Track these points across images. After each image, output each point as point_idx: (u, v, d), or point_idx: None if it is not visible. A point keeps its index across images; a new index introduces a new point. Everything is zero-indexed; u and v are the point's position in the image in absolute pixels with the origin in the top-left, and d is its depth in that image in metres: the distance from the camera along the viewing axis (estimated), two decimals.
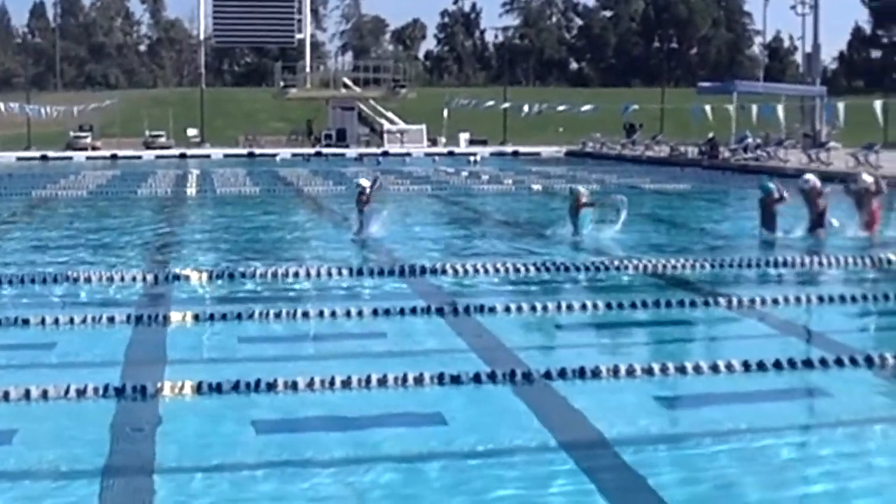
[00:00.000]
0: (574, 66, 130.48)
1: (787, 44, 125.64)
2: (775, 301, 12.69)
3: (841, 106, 43.28)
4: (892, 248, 17.33)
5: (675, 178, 38.54)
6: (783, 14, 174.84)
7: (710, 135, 51.14)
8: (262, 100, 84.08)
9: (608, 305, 12.40)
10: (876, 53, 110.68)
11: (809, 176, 20.81)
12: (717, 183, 37.80)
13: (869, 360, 9.78)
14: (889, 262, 15.87)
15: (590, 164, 49.31)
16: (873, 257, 16.17)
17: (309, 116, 71.17)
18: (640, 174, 40.16)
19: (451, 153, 60.00)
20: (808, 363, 9.65)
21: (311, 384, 8.81)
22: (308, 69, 77.12)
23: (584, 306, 12.29)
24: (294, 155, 58.52)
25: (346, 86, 73.36)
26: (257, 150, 61.92)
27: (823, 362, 9.72)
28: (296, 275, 14.50)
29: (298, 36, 77.25)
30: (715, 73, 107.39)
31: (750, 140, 49.48)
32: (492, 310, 12.09)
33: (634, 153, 56.82)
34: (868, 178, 20.07)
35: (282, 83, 73.63)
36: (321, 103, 71.77)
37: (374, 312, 11.93)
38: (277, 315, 11.81)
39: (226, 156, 58.76)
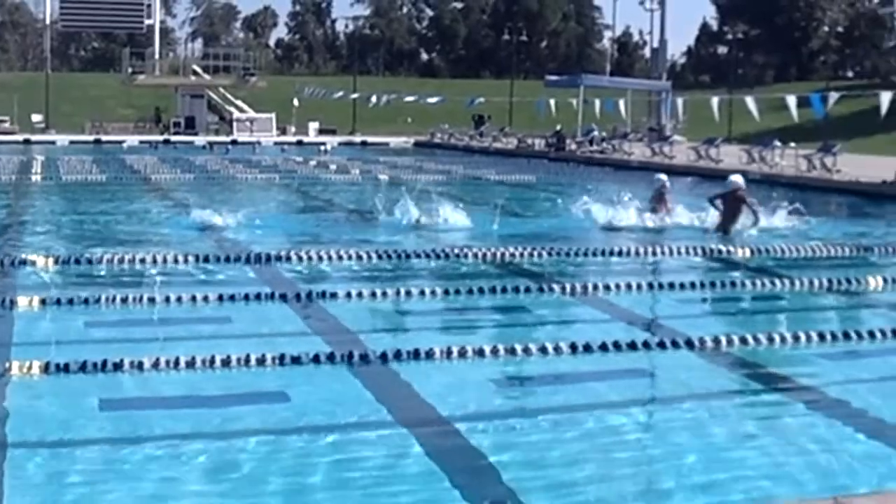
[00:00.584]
0: (424, 56, 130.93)
1: (636, 38, 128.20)
2: (607, 287, 13.42)
3: (680, 101, 44.55)
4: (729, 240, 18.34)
5: (522, 169, 39.34)
6: (633, 9, 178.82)
7: (558, 127, 52.21)
8: (109, 86, 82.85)
9: (446, 291, 12.99)
10: (722, 49, 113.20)
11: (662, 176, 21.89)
12: (563, 174, 38.62)
13: (689, 343, 10.49)
14: (728, 252, 16.79)
15: (438, 155, 49.96)
16: (710, 248, 17.05)
17: (157, 104, 70.67)
18: (487, 165, 40.94)
19: (300, 142, 60.16)
20: (632, 345, 10.29)
21: (156, 364, 9.15)
22: (157, 55, 76.44)
23: (423, 292, 12.82)
24: (142, 142, 58.11)
25: (195, 73, 72.91)
26: (104, 137, 61.25)
27: (646, 345, 10.40)
28: (142, 261, 14.73)
29: (147, 21, 76.41)
30: (564, 66, 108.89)
31: (596, 133, 50.63)
32: (334, 295, 12.52)
33: (482, 145, 57.64)
34: (738, 180, 20.66)
35: (130, 69, 72.80)
36: (170, 90, 71.24)
37: (220, 298, 12.29)
38: (124, 300, 12.06)
39: (72, 142, 57.88)
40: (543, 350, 10.03)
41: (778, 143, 37.60)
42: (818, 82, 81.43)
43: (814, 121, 40.45)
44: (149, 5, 75.87)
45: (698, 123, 47.89)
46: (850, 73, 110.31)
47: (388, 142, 61.89)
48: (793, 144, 37.16)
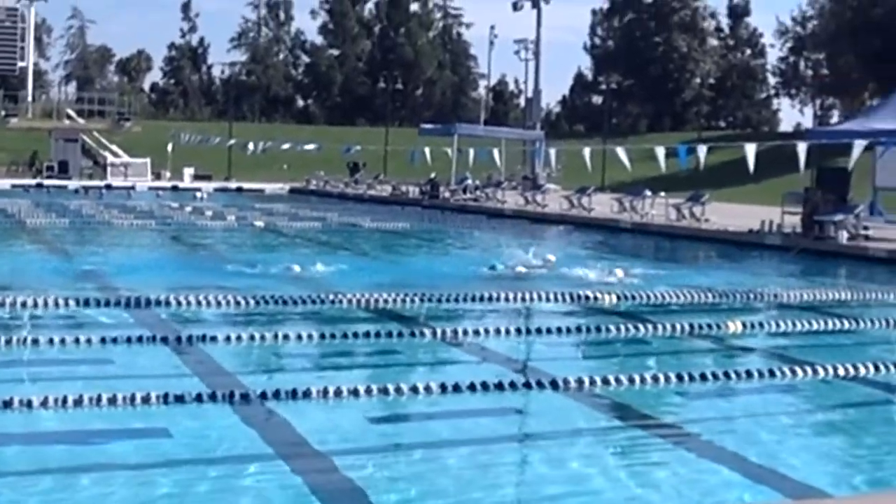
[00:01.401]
0: (301, 103, 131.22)
1: (511, 87, 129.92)
2: (476, 332, 14.03)
3: (553, 151, 45.49)
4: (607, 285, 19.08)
5: (396, 216, 39.90)
6: (508, 59, 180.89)
7: (432, 175, 52.88)
8: None
9: (322, 335, 13.48)
10: (597, 99, 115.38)
11: None
12: (436, 222, 39.27)
13: (553, 384, 11.10)
14: (595, 298, 17.45)
15: (313, 202, 50.33)
16: (581, 293, 17.73)
17: (30, 147, 70.04)
18: (362, 213, 41.41)
19: (175, 188, 60.06)
20: (499, 386, 10.83)
21: (44, 402, 9.51)
22: (30, 98, 75.97)
23: (299, 336, 13.30)
24: (14, 186, 57.57)
25: (69, 117, 72.58)
26: None
27: (513, 385, 10.96)
28: (23, 304, 14.97)
29: (21, 64, 76.01)
30: (440, 114, 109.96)
31: (469, 181, 51.44)
32: (213, 338, 12.92)
33: (357, 192, 58.12)
34: None
35: (2, 112, 72.26)
36: (43, 134, 70.70)
37: (102, 340, 12.63)
38: (8, 342, 12.38)
39: None
40: (414, 389, 10.55)
41: (648, 193, 38.66)
42: (691, 132, 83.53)
43: (687, 170, 41.66)
44: (22, 48, 75.41)
45: (573, 172, 48.92)
46: (722, 123, 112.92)
47: (264, 188, 62.05)
48: (663, 194, 38.26)
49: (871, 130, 29.72)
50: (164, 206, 43.28)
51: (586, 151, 36.74)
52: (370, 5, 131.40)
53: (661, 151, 33.37)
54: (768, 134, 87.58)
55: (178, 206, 42.88)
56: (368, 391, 10.41)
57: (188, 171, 66.19)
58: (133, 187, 58.39)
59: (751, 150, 29.26)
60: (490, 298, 17.22)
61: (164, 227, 33.13)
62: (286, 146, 61.48)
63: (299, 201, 50.72)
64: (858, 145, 27.55)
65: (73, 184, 59.26)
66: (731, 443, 9.51)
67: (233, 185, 64.31)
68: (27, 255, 24.09)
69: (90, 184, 59.18)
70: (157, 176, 65.69)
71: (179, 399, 9.82)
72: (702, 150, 33.35)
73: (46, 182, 59.69)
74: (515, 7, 66.91)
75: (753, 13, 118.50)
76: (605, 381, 11.21)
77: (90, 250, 22.03)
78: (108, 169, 65.25)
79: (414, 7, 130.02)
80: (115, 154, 68.37)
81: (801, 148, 28.57)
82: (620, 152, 35.98)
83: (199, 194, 52.08)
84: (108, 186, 58.37)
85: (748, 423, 10.54)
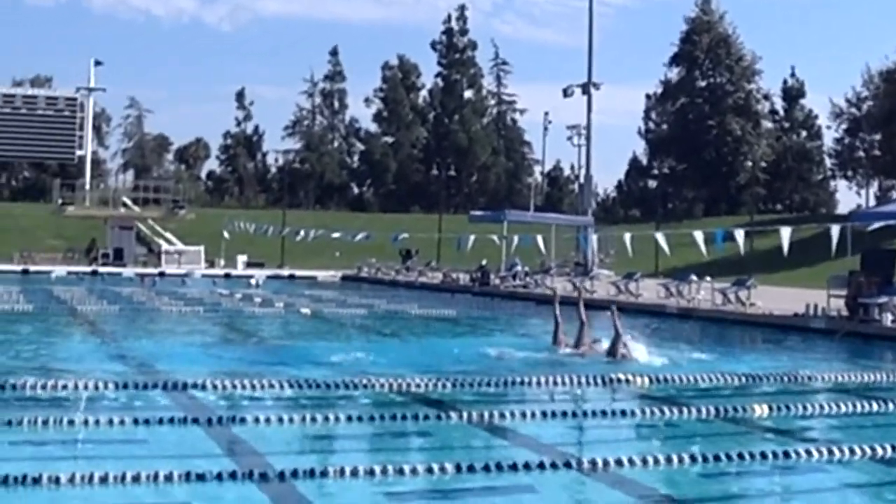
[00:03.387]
0: (355, 190, 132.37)
1: (567, 172, 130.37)
2: (502, 415, 14.18)
3: (594, 237, 45.82)
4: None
5: (446, 303, 40.06)
6: (564, 144, 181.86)
7: (483, 262, 53.20)
8: (39, 216, 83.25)
9: (349, 418, 13.75)
10: (652, 183, 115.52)
11: None
12: (485, 308, 39.43)
13: (567, 464, 11.24)
14: (627, 381, 17.49)
15: (364, 289, 50.72)
16: (612, 376, 17.79)
17: (87, 234, 71.08)
18: (411, 300, 41.60)
19: (227, 275, 60.66)
20: (513, 467, 10.98)
21: (72, 479, 9.84)
22: (88, 186, 77.12)
23: (326, 418, 13.59)
24: (69, 273, 58.41)
25: (125, 205, 73.62)
26: (32, 267, 61.51)
27: (527, 466, 11.08)
28: (65, 387, 15.36)
29: (79, 152, 77.31)
30: (494, 200, 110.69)
31: (519, 268, 51.67)
32: (243, 420, 13.28)
33: (409, 279, 58.46)
34: None
35: (60, 200, 73.40)
36: (99, 222, 71.74)
37: (135, 421, 13.03)
38: (45, 422, 12.74)
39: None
40: (429, 470, 10.75)
41: (694, 278, 38.76)
42: (746, 216, 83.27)
43: (734, 255, 41.74)
44: (81, 136, 76.72)
45: (627, 258, 49.09)
46: (779, 207, 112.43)
47: (316, 275, 62.59)
48: (708, 279, 38.33)
49: None
50: (215, 293, 43.71)
51: (627, 237, 36.96)
52: (424, 92, 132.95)
53: (699, 236, 33.55)
54: (823, 216, 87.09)
55: (228, 293, 43.31)
56: (384, 471, 10.61)
57: (241, 259, 66.91)
58: (187, 274, 59.01)
59: (786, 233, 29.40)
60: (521, 382, 17.28)
61: (213, 313, 33.52)
62: (336, 235, 61.96)
63: (350, 288, 51.09)
64: (876, 225, 27.51)
65: (127, 271, 60.05)
66: None
67: (285, 272, 64.87)
68: (74, 341, 24.55)
69: (144, 271, 59.88)
70: (212, 263, 66.47)
71: (201, 477, 10.12)
72: (739, 234, 33.46)
73: (101, 269, 60.48)
74: (566, 94, 67.28)
75: (809, 94, 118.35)
76: (631, 462, 11.34)
77: (134, 336, 22.43)
78: (163, 256, 66.04)
79: (468, 94, 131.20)
80: (169, 242, 69.22)
81: (835, 230, 28.62)
82: (660, 237, 36.22)
83: (252, 281, 52.57)
84: (162, 274, 59.02)
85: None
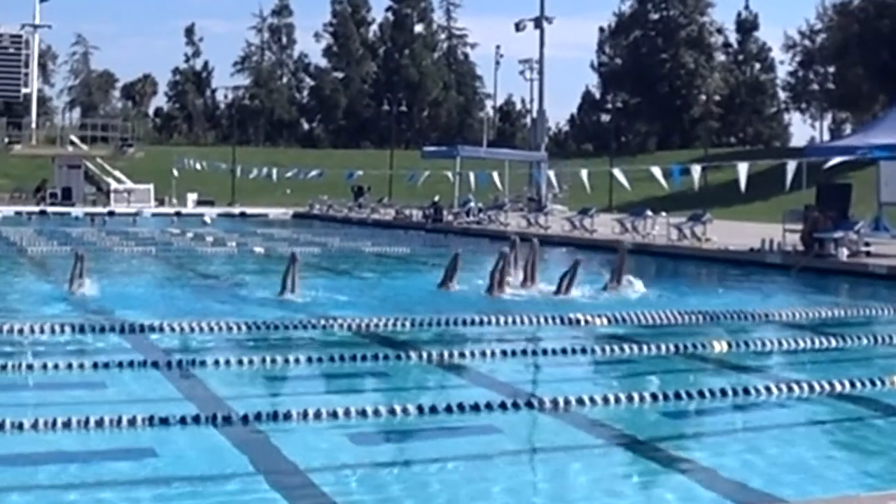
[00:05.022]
0: (305, 126, 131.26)
1: (519, 107, 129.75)
2: (461, 354, 14.16)
3: (551, 172, 45.68)
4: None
5: (399, 240, 39.88)
6: (516, 78, 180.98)
7: (436, 198, 53.04)
8: None
9: (309, 359, 13.73)
10: (605, 117, 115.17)
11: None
12: (438, 245, 39.29)
13: (529, 403, 11.28)
14: (579, 321, 17.45)
15: (316, 227, 50.48)
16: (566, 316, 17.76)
17: (34, 174, 70.30)
18: (364, 237, 41.42)
19: (178, 214, 60.18)
20: (475, 407, 10.99)
21: (35, 425, 9.76)
22: (34, 125, 76.24)
23: (286, 360, 13.54)
24: (17, 213, 57.76)
25: (73, 143, 72.79)
26: None
27: (489, 406, 11.07)
28: (20, 331, 15.18)
29: (25, 90, 76.33)
30: (446, 135, 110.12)
31: (472, 204, 51.55)
32: (202, 363, 13.19)
33: (361, 216, 58.27)
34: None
35: (6, 139, 72.49)
36: (47, 161, 70.93)
37: (95, 365, 12.92)
38: (3, 367, 12.61)
39: None
40: (392, 411, 10.77)
41: (650, 213, 38.76)
42: (700, 150, 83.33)
43: (690, 189, 41.73)
44: (26, 74, 75.72)
45: (581, 193, 49.05)
46: (733, 140, 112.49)
47: (268, 213, 62.23)
48: (664, 214, 38.38)
49: (867, 145, 29.76)
50: (165, 232, 43.34)
51: (583, 173, 36.89)
52: (374, 27, 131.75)
53: (657, 171, 33.52)
54: (778, 150, 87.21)
55: (179, 232, 42.96)
56: (347, 413, 10.59)
57: (191, 197, 66.42)
58: (137, 213, 58.47)
59: (743, 168, 29.42)
60: (472, 322, 17.20)
61: (165, 252, 33.24)
62: (289, 175, 61.50)
63: (302, 226, 50.87)
64: (834, 161, 27.61)
65: (76, 210, 59.42)
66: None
67: (236, 210, 64.43)
68: (24, 282, 24.32)
69: (93, 210, 59.24)
70: (161, 202, 65.92)
71: (164, 421, 10.06)
72: (695, 170, 33.49)
73: (50, 209, 59.83)
74: (518, 28, 66.65)
75: (763, 27, 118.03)
76: (592, 401, 11.37)
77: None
78: (112, 195, 65.41)
79: (418, 28, 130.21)
80: (118, 180, 68.56)
81: (791, 165, 28.69)
82: (618, 174, 36.16)
83: (206, 219, 52.15)
84: (112, 213, 58.47)
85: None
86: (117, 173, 70.18)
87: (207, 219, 52.62)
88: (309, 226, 51.79)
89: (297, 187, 68.48)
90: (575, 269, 21.80)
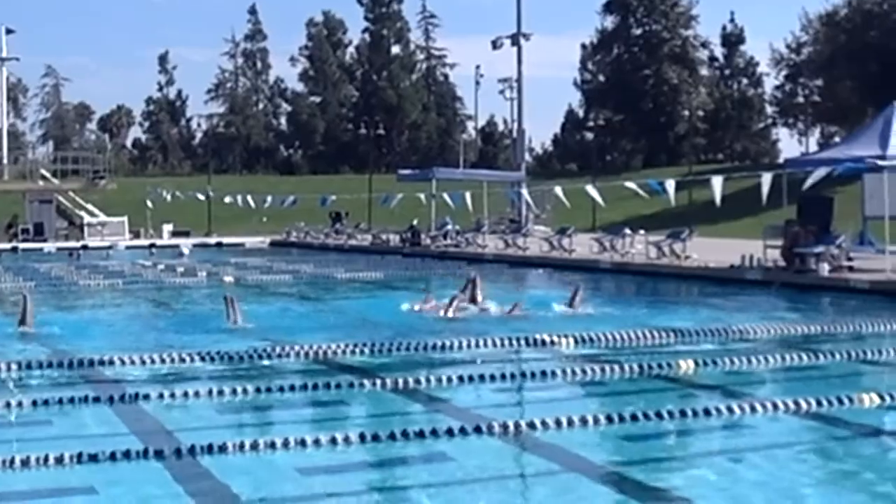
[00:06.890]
0: (283, 152, 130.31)
1: (501, 127, 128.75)
2: (418, 381, 13.74)
3: (525, 192, 45.21)
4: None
5: (374, 266, 39.36)
6: (497, 98, 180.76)
7: (414, 222, 52.60)
8: None
9: (257, 389, 13.55)
10: (589, 136, 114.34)
11: None
12: (414, 269, 38.87)
13: (490, 428, 10.98)
14: (545, 343, 17.01)
15: (293, 255, 50.03)
16: (531, 337, 17.33)
17: (5, 210, 69.38)
18: (339, 263, 40.87)
19: (152, 245, 59.46)
20: (434, 432, 10.77)
21: None
22: (5, 160, 75.61)
23: (234, 391, 13.28)
24: None
25: (43, 178, 72.05)
26: None
27: (450, 431, 10.83)
28: None
29: None
30: (426, 158, 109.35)
31: (450, 227, 51.10)
32: (147, 397, 12.94)
33: (338, 242, 57.73)
34: None
35: None
36: (19, 196, 70.08)
37: (39, 403, 12.63)
38: None
39: None
40: (333, 441, 10.57)
41: (628, 231, 38.35)
42: (686, 167, 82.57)
43: (682, 206, 41.33)
44: None
45: (564, 213, 48.56)
46: (720, 156, 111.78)
47: (244, 242, 61.63)
48: (642, 231, 37.95)
49: (847, 157, 29.36)
50: (136, 264, 42.75)
51: (558, 190, 36.49)
52: (351, 49, 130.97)
53: (633, 185, 33.22)
54: (765, 166, 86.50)
55: (150, 264, 42.39)
56: (301, 442, 10.44)
57: (167, 228, 65.78)
58: (111, 247, 57.72)
59: (717, 182, 29.11)
60: (433, 347, 16.91)
61: (132, 286, 32.71)
62: (268, 202, 60.95)
63: (279, 254, 50.36)
64: (815, 175, 27.32)
65: (48, 245, 58.73)
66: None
67: (212, 240, 63.70)
68: None
69: (66, 245, 58.52)
70: (137, 234, 65.22)
71: (112, 456, 9.88)
72: (670, 184, 33.15)
73: (22, 245, 59.03)
74: (495, 45, 66.15)
75: (749, 41, 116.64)
76: (544, 425, 11.16)
77: (47, 312, 21.91)
78: (86, 229, 64.69)
79: (396, 49, 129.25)
80: (91, 213, 67.84)
81: (766, 178, 28.37)
82: (591, 190, 35.78)
83: (184, 250, 51.53)
84: (85, 247, 57.79)
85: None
86: (90, 206, 69.41)
87: (185, 249, 51.96)
88: (286, 253, 51.28)
89: (275, 215, 67.83)
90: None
